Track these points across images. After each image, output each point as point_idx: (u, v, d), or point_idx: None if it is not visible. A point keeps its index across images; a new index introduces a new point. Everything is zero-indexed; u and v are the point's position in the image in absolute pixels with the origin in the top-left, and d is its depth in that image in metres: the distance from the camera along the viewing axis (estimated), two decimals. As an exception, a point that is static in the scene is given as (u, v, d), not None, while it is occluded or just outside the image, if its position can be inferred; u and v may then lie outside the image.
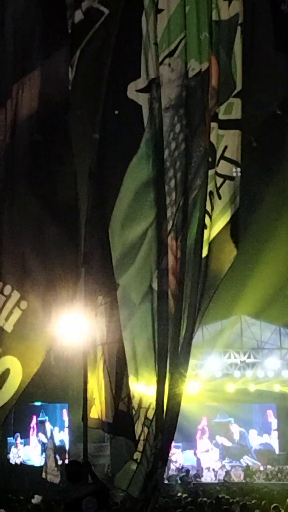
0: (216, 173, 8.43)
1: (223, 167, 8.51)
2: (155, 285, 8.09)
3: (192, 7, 8.46)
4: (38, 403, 29.64)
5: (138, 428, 8.15)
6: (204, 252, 8.18)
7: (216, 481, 28.83)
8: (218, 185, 8.42)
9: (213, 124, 8.51)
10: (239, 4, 8.77)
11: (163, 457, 7.84)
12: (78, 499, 7.81)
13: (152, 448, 7.91)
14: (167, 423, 7.85)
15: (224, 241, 8.38)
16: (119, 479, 8.25)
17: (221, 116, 8.50)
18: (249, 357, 30.93)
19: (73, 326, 12.74)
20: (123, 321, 8.20)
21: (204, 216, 8.19)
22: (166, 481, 23.91)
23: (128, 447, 8.11)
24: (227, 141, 8.43)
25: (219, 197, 8.39)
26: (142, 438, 8.07)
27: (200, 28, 8.40)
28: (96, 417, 8.27)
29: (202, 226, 8.06)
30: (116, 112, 8.50)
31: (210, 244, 8.27)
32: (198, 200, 8.22)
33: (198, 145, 8.22)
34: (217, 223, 8.37)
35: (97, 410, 8.22)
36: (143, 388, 8.38)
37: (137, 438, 8.10)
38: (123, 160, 8.37)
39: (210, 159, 8.31)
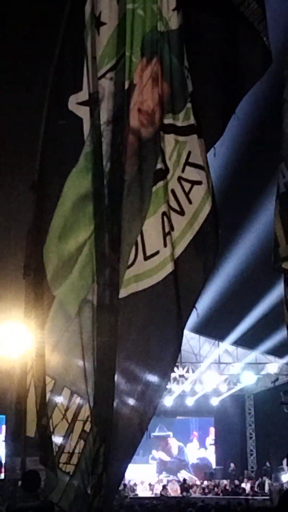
0: (182, 179, 8.53)
1: (188, 173, 8.61)
2: (91, 297, 8.04)
3: (128, 23, 8.52)
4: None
5: (72, 441, 8.08)
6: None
7: (153, 495, 28.83)
8: (187, 190, 8.52)
9: (166, 135, 8.58)
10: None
11: (94, 471, 7.76)
12: (21, 510, 7.76)
13: (88, 461, 7.85)
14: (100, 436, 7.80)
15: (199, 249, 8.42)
16: (55, 492, 8.16)
17: (181, 123, 8.59)
18: (187, 371, 31.11)
19: (10, 339, 12.75)
20: (58, 332, 8.14)
21: (118, 226, 8.24)
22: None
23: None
24: (190, 147, 8.54)
25: (190, 202, 8.47)
26: (77, 451, 7.99)
27: (132, 45, 8.49)
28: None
29: (113, 235, 8.04)
30: (61, 122, 8.49)
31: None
32: (115, 210, 8.31)
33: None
34: (191, 227, 8.44)
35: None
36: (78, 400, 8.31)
37: (70, 451, 8.03)
38: (62, 172, 8.35)
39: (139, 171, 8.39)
